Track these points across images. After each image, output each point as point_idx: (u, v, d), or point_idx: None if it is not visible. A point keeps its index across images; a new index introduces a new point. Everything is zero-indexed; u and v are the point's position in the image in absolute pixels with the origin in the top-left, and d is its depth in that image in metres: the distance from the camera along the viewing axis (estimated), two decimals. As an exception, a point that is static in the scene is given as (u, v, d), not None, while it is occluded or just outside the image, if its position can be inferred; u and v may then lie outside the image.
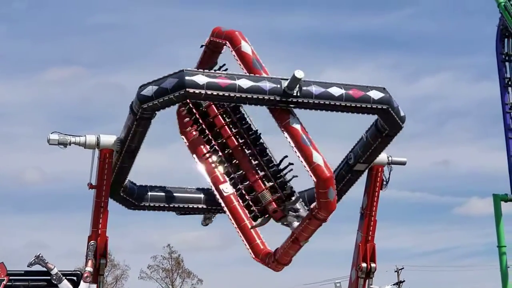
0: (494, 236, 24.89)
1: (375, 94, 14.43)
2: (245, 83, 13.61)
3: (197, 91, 13.39)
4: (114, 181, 15.78)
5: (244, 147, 15.25)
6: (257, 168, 14.97)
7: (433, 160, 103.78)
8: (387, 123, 15.27)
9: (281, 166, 14.89)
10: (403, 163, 18.25)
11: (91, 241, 15.75)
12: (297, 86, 13.70)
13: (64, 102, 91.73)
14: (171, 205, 17.00)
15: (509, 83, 27.97)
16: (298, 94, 13.78)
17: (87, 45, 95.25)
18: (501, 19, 28.03)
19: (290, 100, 13.78)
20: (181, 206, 17.09)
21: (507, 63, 28.20)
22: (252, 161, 15.05)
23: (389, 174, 17.93)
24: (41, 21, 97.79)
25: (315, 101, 13.98)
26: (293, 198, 14.69)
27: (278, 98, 13.70)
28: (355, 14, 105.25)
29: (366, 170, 17.20)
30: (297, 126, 13.75)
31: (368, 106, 14.39)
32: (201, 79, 13.42)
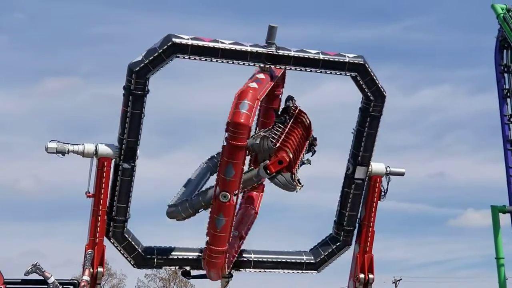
0: (492, 247, 24.89)
1: (350, 56, 15.94)
2: (227, 43, 15.16)
3: (183, 41, 14.81)
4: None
5: None
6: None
7: (431, 172, 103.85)
8: (367, 85, 16.11)
9: None
10: (402, 174, 18.23)
11: (89, 250, 15.71)
12: (275, 37, 15.29)
13: (61, 112, 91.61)
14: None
15: (508, 94, 28.00)
16: (278, 51, 15.35)
17: (84, 56, 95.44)
18: (500, 31, 28.09)
19: (270, 53, 15.29)
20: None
21: (505, 75, 28.24)
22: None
23: (387, 185, 17.91)
24: (40, 32, 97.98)
25: (294, 55, 15.50)
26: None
27: (259, 50, 15.29)
28: (352, 26, 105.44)
29: (366, 180, 17.30)
30: None
31: (344, 60, 15.81)
32: (186, 37, 14.95)
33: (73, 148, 15.51)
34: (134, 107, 15.25)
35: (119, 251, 16.06)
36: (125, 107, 15.29)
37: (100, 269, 15.77)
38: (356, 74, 16.08)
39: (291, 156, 15.04)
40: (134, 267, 16.23)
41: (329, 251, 17.33)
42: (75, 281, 16.20)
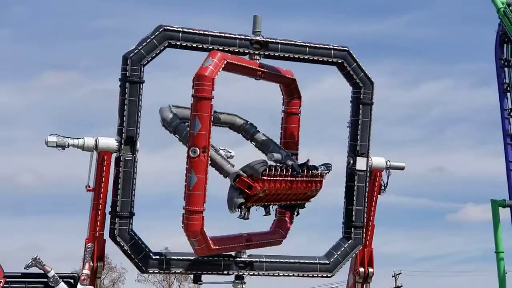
0: (492, 242, 24.90)
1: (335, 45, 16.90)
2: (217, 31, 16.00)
3: (175, 27, 15.54)
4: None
5: None
6: None
7: (431, 166, 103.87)
8: (355, 71, 16.89)
9: None
10: (402, 168, 18.26)
11: (89, 244, 15.72)
12: (260, 27, 16.21)
13: (61, 107, 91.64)
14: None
15: (508, 88, 27.95)
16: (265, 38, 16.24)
17: (84, 50, 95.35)
18: (500, 25, 28.02)
19: (259, 39, 16.18)
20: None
21: (506, 69, 28.19)
22: None
23: (388, 179, 17.94)
24: (41, 26, 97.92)
25: (281, 41, 16.35)
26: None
27: (248, 37, 16.18)
28: (353, 20, 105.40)
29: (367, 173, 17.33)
30: None
31: (330, 46, 16.75)
32: (177, 26, 15.69)
33: (73, 142, 15.50)
34: (131, 94, 15.42)
35: (126, 251, 15.47)
36: (122, 96, 15.45)
37: (100, 263, 15.79)
38: (342, 60, 16.83)
39: (260, 195, 15.41)
40: (142, 270, 15.72)
41: (342, 250, 17.17)
42: (75, 275, 16.22)
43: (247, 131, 17.14)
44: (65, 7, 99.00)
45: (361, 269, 17.91)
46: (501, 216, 25.11)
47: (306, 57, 16.74)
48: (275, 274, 16.68)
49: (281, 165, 16.01)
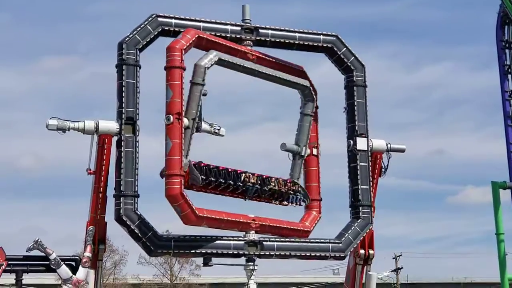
0: (492, 223, 24.93)
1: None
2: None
3: (167, 14, 16.14)
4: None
5: None
6: None
7: (431, 149, 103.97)
8: (346, 56, 17.30)
9: None
10: (402, 151, 18.27)
11: (90, 227, 15.77)
12: (249, 15, 16.86)
13: (62, 90, 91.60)
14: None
15: (509, 70, 27.88)
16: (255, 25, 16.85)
17: (85, 34, 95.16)
18: (501, 6, 27.94)
19: (248, 26, 16.80)
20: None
21: (507, 51, 28.11)
22: None
23: (388, 161, 17.95)
24: (40, 9, 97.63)
25: (272, 27, 16.98)
26: None
27: (238, 23, 16.80)
28: (354, 3, 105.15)
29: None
30: None
31: (319, 32, 17.30)
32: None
33: (73, 125, 15.52)
34: (128, 77, 15.64)
35: (133, 231, 15.10)
36: (120, 80, 15.64)
37: (101, 246, 15.83)
38: (332, 45, 17.30)
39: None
40: (150, 250, 15.35)
41: (352, 229, 16.94)
42: (77, 258, 16.28)
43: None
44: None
45: (362, 251, 17.95)
46: (501, 198, 25.13)
47: (296, 42, 17.13)
48: (287, 254, 16.26)
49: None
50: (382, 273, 56.14)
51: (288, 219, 17.04)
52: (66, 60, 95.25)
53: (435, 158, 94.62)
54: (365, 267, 18.15)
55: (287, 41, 17.05)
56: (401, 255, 62.29)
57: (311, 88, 17.43)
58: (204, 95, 15.64)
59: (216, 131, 16.17)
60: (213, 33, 16.37)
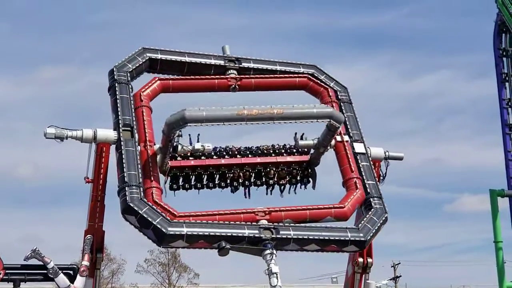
0: (490, 231, 24.96)
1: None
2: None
3: (153, 47, 16.72)
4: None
5: None
6: None
7: (428, 157, 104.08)
8: (328, 79, 17.55)
9: None
10: (400, 158, 18.25)
11: (88, 235, 15.75)
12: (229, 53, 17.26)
13: (60, 99, 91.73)
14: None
15: (507, 78, 28.00)
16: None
17: (83, 44, 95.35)
18: (498, 15, 28.04)
19: (231, 58, 17.14)
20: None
21: (504, 59, 28.23)
22: None
23: (386, 169, 17.92)
24: (39, 19, 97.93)
25: (253, 58, 17.26)
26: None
27: (219, 54, 17.20)
28: (352, 12, 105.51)
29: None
30: None
31: (298, 63, 17.72)
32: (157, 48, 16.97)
33: (71, 134, 15.47)
34: (121, 92, 15.85)
35: (142, 217, 14.05)
36: (114, 97, 15.85)
37: (99, 254, 15.81)
38: (313, 71, 17.68)
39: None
40: (162, 234, 14.01)
41: (367, 217, 15.63)
42: (75, 266, 16.25)
43: None
44: (62, 1, 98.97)
45: (360, 260, 17.92)
46: (499, 206, 25.17)
47: (278, 68, 17.50)
48: (304, 237, 14.81)
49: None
50: (380, 281, 56.11)
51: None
52: (64, 70, 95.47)
53: (432, 167, 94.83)
54: (363, 275, 18.11)
55: (269, 68, 17.46)
56: (399, 263, 62.42)
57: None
58: (179, 136, 15.20)
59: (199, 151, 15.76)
60: (199, 61, 16.96)
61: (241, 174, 16.50)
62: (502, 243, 24.75)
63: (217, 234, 14.27)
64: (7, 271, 15.72)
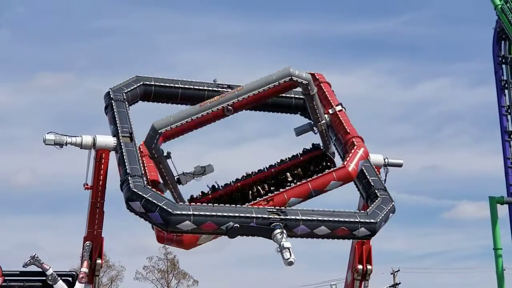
0: (490, 238, 24.95)
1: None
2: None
3: (147, 75, 16.83)
4: None
5: None
6: None
7: (428, 164, 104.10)
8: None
9: None
10: (400, 165, 18.25)
11: (87, 242, 15.72)
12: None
13: (59, 106, 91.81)
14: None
15: (506, 85, 28.03)
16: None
17: (81, 51, 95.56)
18: (498, 22, 28.08)
19: (223, 85, 17.23)
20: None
21: (503, 66, 28.26)
22: None
23: (386, 176, 17.90)
24: (39, 27, 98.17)
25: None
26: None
27: (211, 82, 17.29)
28: (352, 20, 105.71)
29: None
30: None
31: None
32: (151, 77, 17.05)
33: (71, 140, 15.46)
34: (118, 108, 15.87)
35: (148, 201, 13.71)
36: (111, 111, 15.91)
37: (98, 261, 15.78)
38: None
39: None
40: (169, 219, 13.66)
41: (374, 203, 15.45)
42: (74, 273, 16.23)
43: None
44: (62, 8, 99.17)
45: (360, 266, 17.90)
46: (499, 213, 25.18)
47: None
48: (313, 218, 14.48)
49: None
50: (379, 288, 55.98)
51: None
52: (64, 77, 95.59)
53: (431, 174, 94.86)
54: (363, 282, 18.08)
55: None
56: (399, 270, 62.32)
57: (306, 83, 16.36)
58: (168, 156, 15.44)
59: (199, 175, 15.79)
60: (191, 87, 17.15)
61: (259, 188, 16.43)
62: (501, 250, 24.77)
63: (225, 214, 14.00)
64: (6, 278, 15.69)
